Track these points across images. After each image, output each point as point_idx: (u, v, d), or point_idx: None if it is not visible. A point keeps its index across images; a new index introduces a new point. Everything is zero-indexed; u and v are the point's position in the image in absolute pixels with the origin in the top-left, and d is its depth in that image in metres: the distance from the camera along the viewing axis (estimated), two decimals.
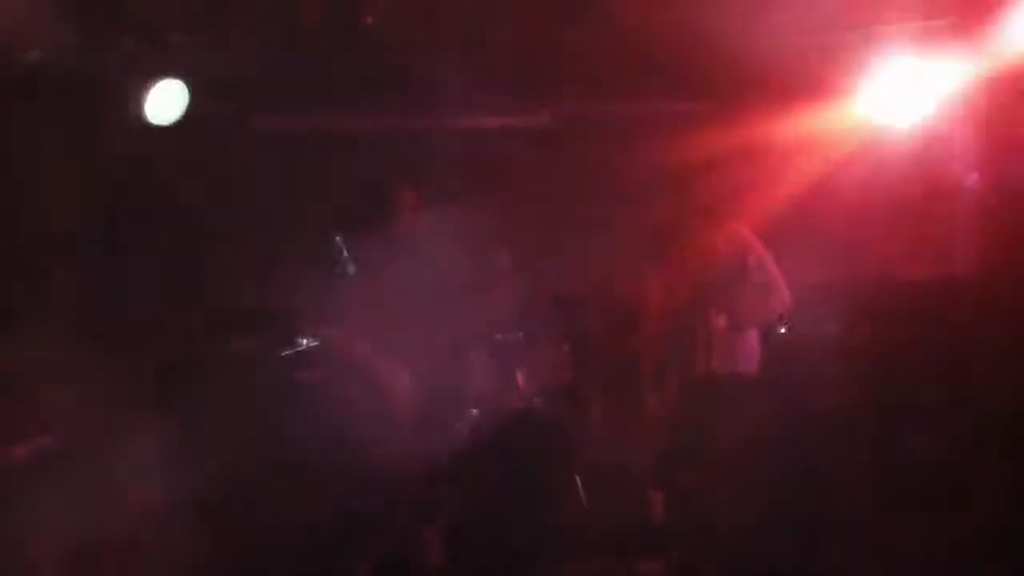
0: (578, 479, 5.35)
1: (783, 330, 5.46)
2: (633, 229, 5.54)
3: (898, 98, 5.02)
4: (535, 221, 6.26)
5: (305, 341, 5.19)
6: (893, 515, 4.88)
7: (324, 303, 4.62)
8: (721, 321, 4.50)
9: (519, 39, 5.05)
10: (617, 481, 5.73)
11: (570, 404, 5.78)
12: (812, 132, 5.53)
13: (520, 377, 5.71)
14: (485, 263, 6.02)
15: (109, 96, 4.40)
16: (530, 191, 6.34)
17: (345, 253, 4.40)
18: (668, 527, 4.66)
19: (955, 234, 6.05)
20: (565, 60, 5.39)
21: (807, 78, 5.35)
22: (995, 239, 5.35)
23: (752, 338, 4.83)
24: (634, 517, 5.29)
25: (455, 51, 5.19)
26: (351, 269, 4.42)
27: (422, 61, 5.30)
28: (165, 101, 4.63)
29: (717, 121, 6.04)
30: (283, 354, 5.21)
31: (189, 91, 4.68)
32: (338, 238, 4.42)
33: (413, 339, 5.56)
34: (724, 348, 4.41)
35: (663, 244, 4.75)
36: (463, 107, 6.25)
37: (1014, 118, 5.19)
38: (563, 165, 6.39)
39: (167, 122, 4.71)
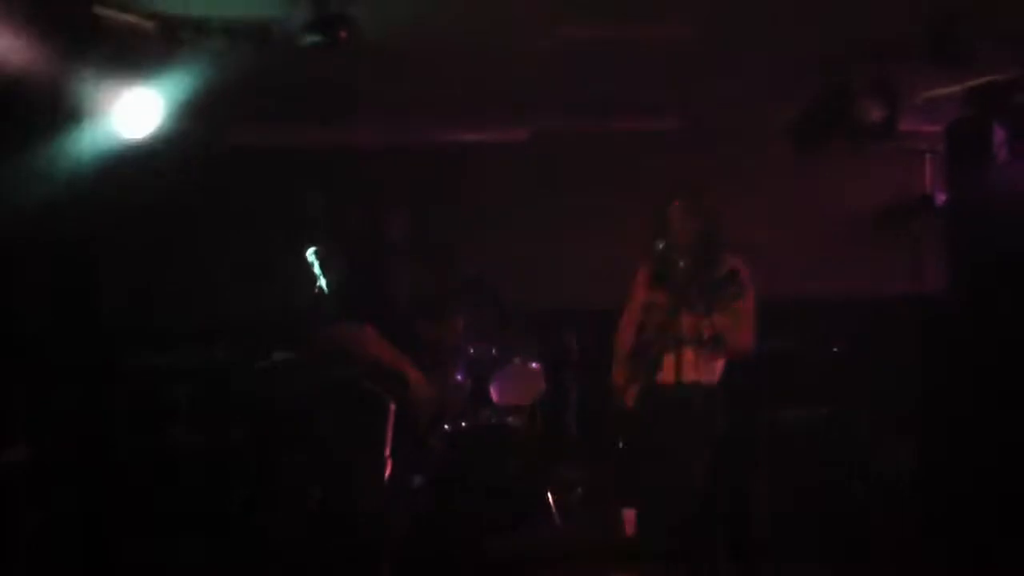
0: (550, 496, 5.35)
1: None
2: (611, 244, 5.55)
3: (863, 114, 5.05)
4: (512, 236, 6.27)
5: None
6: (858, 524, 4.91)
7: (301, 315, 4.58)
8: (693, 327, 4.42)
9: (497, 53, 5.06)
10: (590, 496, 5.72)
11: (543, 420, 5.77)
12: (787, 150, 5.57)
13: (494, 392, 5.71)
14: (460, 278, 6.02)
15: (79, 109, 4.36)
16: (508, 206, 6.35)
17: (317, 267, 4.36)
18: (640, 539, 4.64)
19: (925, 251, 6.08)
20: (546, 75, 5.41)
21: (781, 93, 5.39)
22: (965, 256, 5.38)
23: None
24: (607, 532, 5.29)
25: (432, 65, 5.20)
26: (323, 283, 4.37)
27: (397, 75, 5.31)
28: (137, 114, 4.58)
29: (696, 139, 6.07)
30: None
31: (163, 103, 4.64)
32: (309, 252, 4.38)
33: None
34: (691, 358, 4.38)
35: (645, 259, 4.72)
36: (440, 121, 6.27)
37: (983, 134, 5.23)
38: (543, 180, 6.41)
39: (140, 136, 4.67)
